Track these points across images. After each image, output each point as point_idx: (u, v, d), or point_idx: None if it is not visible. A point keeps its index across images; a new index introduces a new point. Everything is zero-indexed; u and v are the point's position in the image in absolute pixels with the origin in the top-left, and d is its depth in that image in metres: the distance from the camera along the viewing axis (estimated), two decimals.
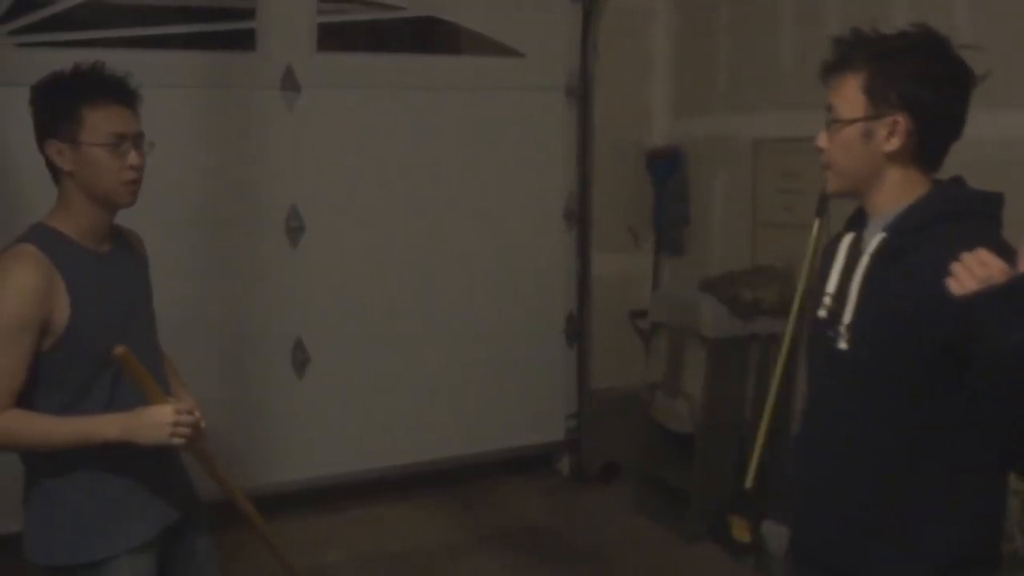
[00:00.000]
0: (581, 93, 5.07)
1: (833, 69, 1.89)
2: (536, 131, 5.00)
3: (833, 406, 1.95)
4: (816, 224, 4.24)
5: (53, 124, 2.18)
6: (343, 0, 4.59)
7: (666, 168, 5.18)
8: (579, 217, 5.14)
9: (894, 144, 1.83)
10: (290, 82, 4.42)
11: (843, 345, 1.88)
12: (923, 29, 1.88)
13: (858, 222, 1.98)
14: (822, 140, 1.92)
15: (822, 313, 1.96)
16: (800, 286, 4.28)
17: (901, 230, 1.83)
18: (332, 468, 4.66)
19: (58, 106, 2.18)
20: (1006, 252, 1.64)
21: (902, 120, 1.81)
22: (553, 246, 5.11)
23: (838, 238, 2.02)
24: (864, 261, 1.88)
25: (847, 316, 1.88)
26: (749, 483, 4.23)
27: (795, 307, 4.27)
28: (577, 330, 5.20)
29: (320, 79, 4.48)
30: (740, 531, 4.20)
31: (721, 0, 4.93)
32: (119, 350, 2.10)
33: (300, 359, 4.58)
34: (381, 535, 4.52)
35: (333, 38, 4.61)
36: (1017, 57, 3.57)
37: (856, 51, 1.86)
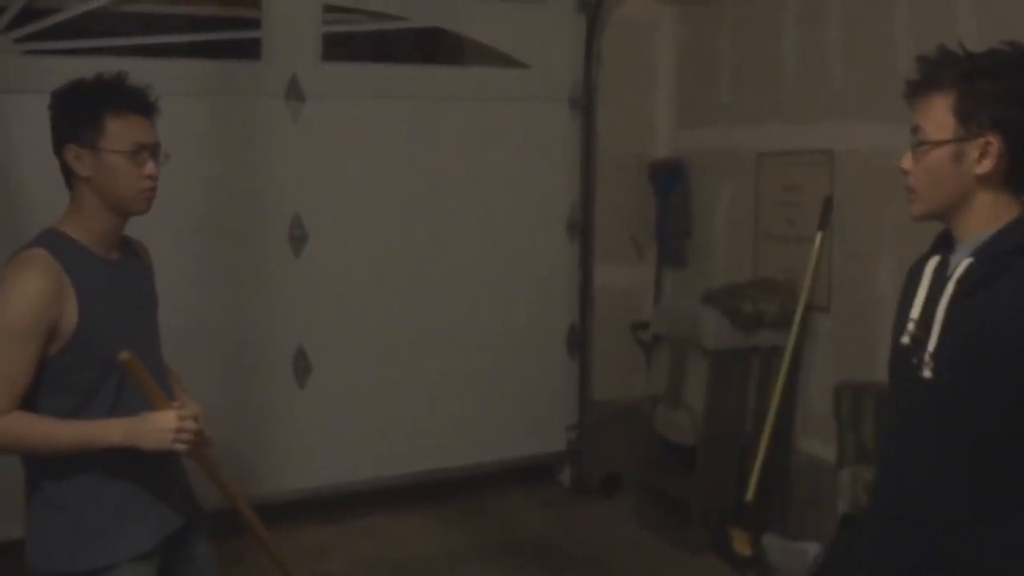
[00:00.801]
0: (585, 104, 5.08)
1: (919, 89, 1.84)
2: (539, 142, 5.01)
3: (918, 434, 1.89)
4: (818, 237, 4.25)
5: (74, 129, 2.21)
6: (348, 10, 4.60)
7: (669, 180, 5.18)
8: (582, 228, 5.15)
9: (986, 167, 1.78)
10: (295, 91, 4.43)
11: (928, 373, 1.83)
12: (1015, 47, 1.83)
13: (944, 245, 1.92)
14: (907, 162, 1.86)
15: (905, 340, 1.90)
16: (802, 299, 4.29)
17: (989, 256, 1.79)
18: (333, 477, 4.65)
19: (80, 112, 2.21)
20: None
21: (994, 141, 1.77)
22: (556, 257, 5.11)
23: (923, 261, 1.96)
24: (950, 287, 1.82)
25: (932, 344, 1.83)
26: (750, 496, 4.24)
27: (797, 320, 4.27)
28: (579, 341, 5.20)
29: (325, 88, 4.49)
30: (741, 544, 4.20)
31: (725, 13, 4.95)
32: (124, 355, 2.10)
33: (302, 368, 4.58)
34: (382, 544, 4.52)
35: (338, 48, 4.63)
36: None
37: (943, 70, 1.81)
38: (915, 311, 1.89)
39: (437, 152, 4.76)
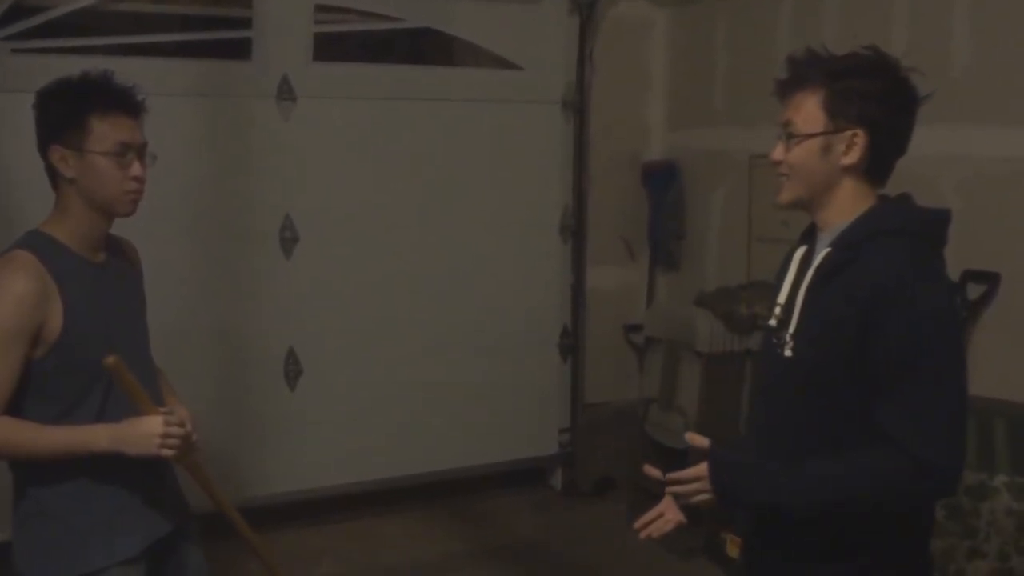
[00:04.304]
0: (577, 106, 5.06)
1: (789, 86, 1.98)
2: (532, 143, 4.99)
3: (778, 412, 2.03)
4: None
5: (58, 130, 2.17)
6: (340, 10, 4.58)
7: (662, 182, 5.17)
8: (574, 230, 5.13)
9: (852, 158, 1.92)
10: (286, 91, 4.41)
11: (788, 352, 1.98)
12: (875, 51, 1.97)
13: (809, 236, 2.08)
14: (778, 153, 1.99)
15: (772, 322, 2.05)
16: None
17: (843, 244, 1.94)
18: (324, 480, 4.63)
19: (65, 113, 2.17)
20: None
21: (861, 135, 1.91)
22: (548, 259, 5.09)
23: (791, 252, 2.11)
24: (810, 274, 1.98)
25: (792, 326, 1.98)
26: None
27: None
28: (571, 343, 5.18)
29: (316, 89, 4.46)
30: (733, 548, 4.18)
31: (719, 15, 4.94)
32: (110, 360, 2.07)
33: (292, 370, 4.55)
34: (373, 548, 4.49)
35: (329, 48, 4.60)
36: (1014, 77, 3.58)
37: (811, 69, 1.95)
38: (781, 296, 2.05)
39: (429, 153, 4.73)
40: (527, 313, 5.03)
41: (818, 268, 1.96)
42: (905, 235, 1.90)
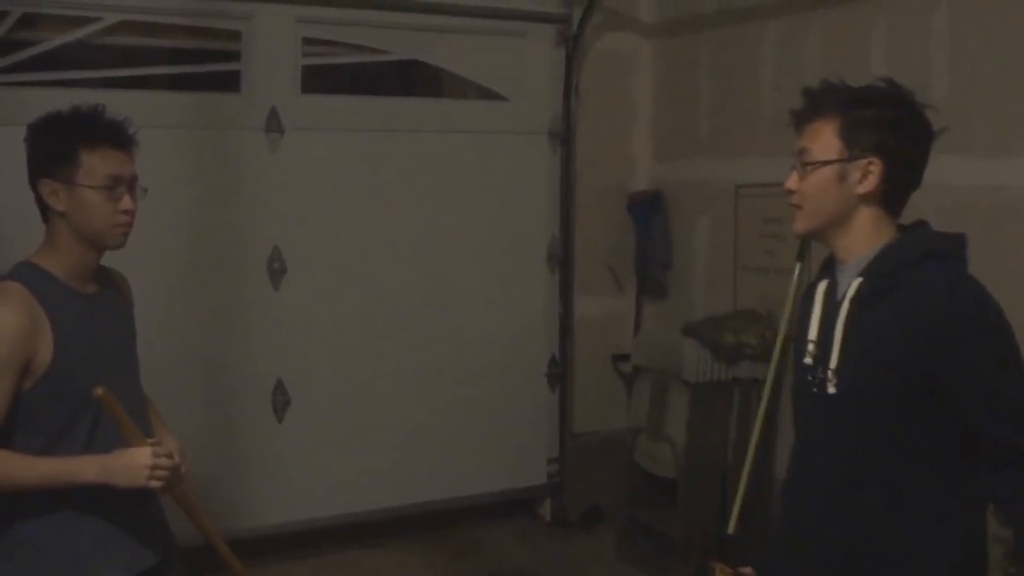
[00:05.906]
0: (564, 137, 5.09)
1: (806, 116, 1.98)
2: (519, 174, 5.02)
3: (825, 449, 1.98)
4: (797, 268, 4.25)
5: (49, 164, 2.18)
6: (328, 43, 4.62)
7: (647, 211, 5.20)
8: (561, 260, 5.14)
9: (868, 185, 1.92)
10: (274, 123, 4.43)
11: (832, 389, 1.93)
12: (890, 82, 1.98)
13: (829, 268, 2.06)
14: (792, 182, 1.99)
15: (808, 360, 2.00)
16: (782, 330, 4.28)
17: (878, 273, 1.91)
18: (311, 512, 4.61)
19: (56, 146, 2.18)
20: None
21: (877, 163, 1.91)
22: (536, 289, 5.11)
23: (813, 286, 2.09)
24: (844, 306, 1.94)
25: (833, 361, 1.93)
26: (731, 529, 4.20)
27: (776, 351, 4.27)
28: (559, 373, 5.19)
29: (304, 121, 4.49)
30: None
31: (703, 46, 4.99)
32: (98, 391, 2.08)
33: (280, 401, 4.54)
34: None
35: (317, 80, 4.63)
36: (991, 108, 3.62)
37: (827, 99, 1.96)
38: (812, 332, 2.01)
39: (416, 185, 4.75)
40: (515, 342, 5.04)
41: (854, 299, 1.93)
42: (949, 258, 1.93)
